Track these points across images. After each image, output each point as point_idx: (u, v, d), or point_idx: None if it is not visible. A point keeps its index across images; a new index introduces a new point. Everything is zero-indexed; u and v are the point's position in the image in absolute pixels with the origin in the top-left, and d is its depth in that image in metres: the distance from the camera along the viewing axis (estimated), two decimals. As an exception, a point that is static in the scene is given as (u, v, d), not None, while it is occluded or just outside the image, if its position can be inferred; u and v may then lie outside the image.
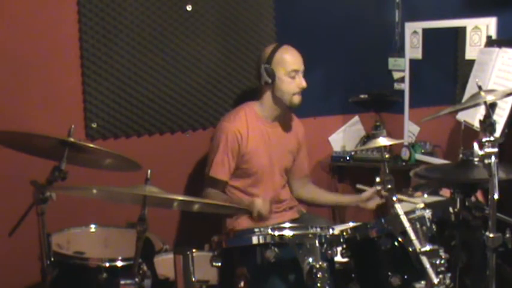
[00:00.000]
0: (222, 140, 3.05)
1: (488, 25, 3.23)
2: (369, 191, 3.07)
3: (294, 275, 2.13)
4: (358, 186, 3.18)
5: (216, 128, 3.19)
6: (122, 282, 2.04)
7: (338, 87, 4.00)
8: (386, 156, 2.18)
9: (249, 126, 3.10)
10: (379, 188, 2.15)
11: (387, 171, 2.14)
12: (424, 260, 1.98)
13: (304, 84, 3.07)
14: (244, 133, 3.08)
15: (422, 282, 2.08)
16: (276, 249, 2.10)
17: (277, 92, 3.09)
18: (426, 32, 3.66)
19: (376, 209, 3.14)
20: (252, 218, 2.89)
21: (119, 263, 2.41)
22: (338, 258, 2.25)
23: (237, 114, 3.14)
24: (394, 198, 2.10)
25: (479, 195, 2.52)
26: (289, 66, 3.05)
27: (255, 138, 3.11)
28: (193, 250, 2.10)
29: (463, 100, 3.09)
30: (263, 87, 3.12)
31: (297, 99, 3.09)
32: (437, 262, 2.00)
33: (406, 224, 2.04)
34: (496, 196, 1.93)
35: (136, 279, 2.03)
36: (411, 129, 3.83)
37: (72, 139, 2.23)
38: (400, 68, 3.89)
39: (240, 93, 3.57)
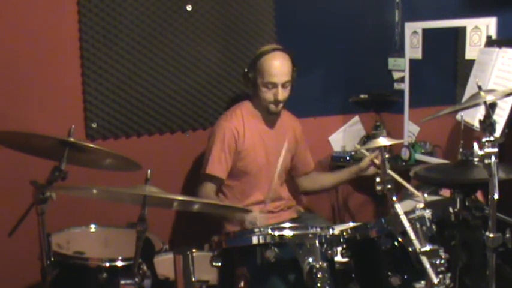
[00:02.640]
0: (219, 137, 3.07)
1: (488, 25, 3.23)
2: (367, 158, 3.15)
3: (294, 275, 2.12)
4: (356, 145, 3.26)
5: (214, 126, 3.20)
6: (122, 282, 2.04)
7: (338, 87, 4.00)
8: (387, 156, 2.18)
9: (246, 124, 3.12)
10: (379, 188, 2.15)
11: (387, 171, 2.14)
12: (424, 260, 1.97)
13: (279, 97, 3.02)
14: (241, 131, 3.09)
15: (422, 282, 2.08)
16: (276, 249, 2.10)
17: (257, 96, 3.10)
18: (426, 32, 3.66)
19: (373, 175, 3.16)
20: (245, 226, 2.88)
21: (119, 263, 2.41)
22: (338, 258, 2.25)
23: (234, 112, 3.15)
24: (394, 198, 2.10)
25: (479, 195, 2.51)
26: (265, 78, 3.02)
27: (251, 135, 3.12)
28: (193, 250, 2.09)
29: (463, 100, 3.09)
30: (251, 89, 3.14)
31: (272, 108, 3.08)
32: (437, 262, 1.99)
33: (406, 224, 2.04)
34: (496, 196, 1.93)
35: (137, 279, 2.03)
36: (411, 129, 3.83)
37: (72, 139, 2.22)
38: (400, 68, 3.89)
39: (240, 93, 3.57)
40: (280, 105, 3.08)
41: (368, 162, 3.15)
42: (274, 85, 3.02)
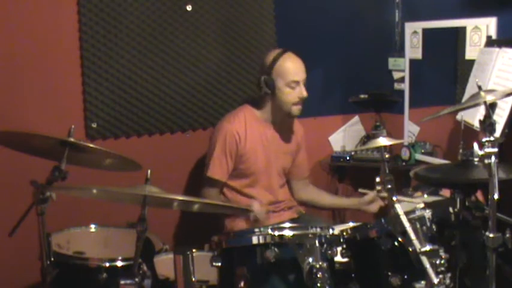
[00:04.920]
0: (220, 140, 3.06)
1: (488, 25, 3.23)
2: (371, 194, 3.10)
3: (294, 275, 2.13)
4: (360, 190, 3.19)
5: (215, 128, 3.19)
6: (122, 282, 2.03)
7: (338, 87, 4.01)
8: (387, 156, 2.18)
9: (248, 127, 3.10)
10: (379, 188, 2.15)
11: (387, 171, 2.14)
12: (424, 260, 1.98)
13: (304, 94, 3.03)
14: (243, 134, 3.08)
15: (422, 282, 2.08)
16: (276, 249, 2.10)
17: (277, 102, 3.08)
18: (426, 32, 3.66)
19: (378, 212, 3.15)
20: (248, 220, 2.88)
21: (119, 263, 2.41)
22: (338, 258, 2.25)
23: (236, 115, 3.14)
24: (394, 198, 2.10)
25: (479, 195, 2.51)
26: (289, 77, 3.01)
27: (253, 139, 3.11)
28: (193, 250, 2.10)
29: (463, 100, 3.09)
30: (264, 96, 3.11)
31: (296, 109, 3.06)
32: (437, 262, 2.00)
33: (406, 224, 2.04)
34: (496, 196, 1.93)
35: (136, 279, 2.03)
36: (411, 129, 3.83)
37: (72, 139, 2.22)
38: (400, 68, 3.89)
39: (240, 93, 3.57)
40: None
41: (371, 198, 3.10)
42: (297, 83, 3.02)
